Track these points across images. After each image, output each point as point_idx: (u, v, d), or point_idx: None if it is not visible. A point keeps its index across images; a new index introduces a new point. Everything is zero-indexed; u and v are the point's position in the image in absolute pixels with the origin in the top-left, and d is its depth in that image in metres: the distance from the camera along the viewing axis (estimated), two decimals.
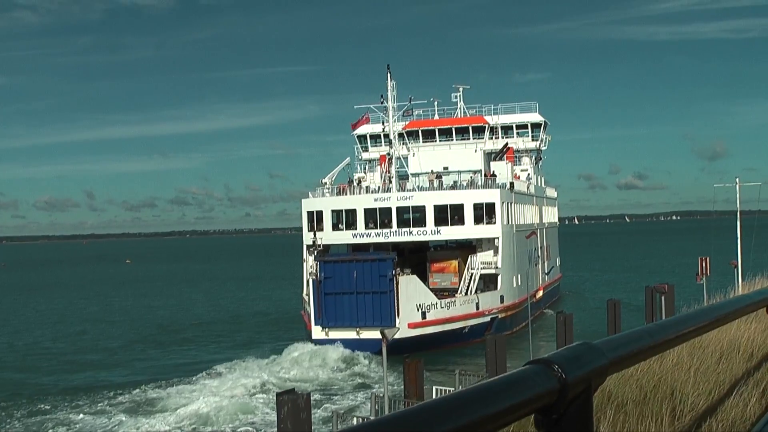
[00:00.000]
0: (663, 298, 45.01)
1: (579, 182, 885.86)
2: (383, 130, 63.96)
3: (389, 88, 61.63)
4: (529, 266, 70.69)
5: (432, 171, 67.38)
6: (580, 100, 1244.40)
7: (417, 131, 73.91)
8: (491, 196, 60.48)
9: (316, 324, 51.87)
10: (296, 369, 47.51)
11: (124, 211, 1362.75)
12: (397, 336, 49.96)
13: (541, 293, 74.06)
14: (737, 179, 61.38)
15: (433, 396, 36.38)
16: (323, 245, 62.75)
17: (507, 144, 70.97)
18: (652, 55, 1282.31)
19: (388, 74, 61.70)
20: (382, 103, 62.40)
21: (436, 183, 64.39)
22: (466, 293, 58.03)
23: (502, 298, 59.26)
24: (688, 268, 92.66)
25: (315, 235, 56.94)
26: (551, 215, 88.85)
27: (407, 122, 71.30)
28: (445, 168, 71.16)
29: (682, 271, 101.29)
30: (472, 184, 64.29)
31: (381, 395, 30.23)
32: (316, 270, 52.32)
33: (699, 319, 5.25)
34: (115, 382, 47.30)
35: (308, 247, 62.92)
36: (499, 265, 60.01)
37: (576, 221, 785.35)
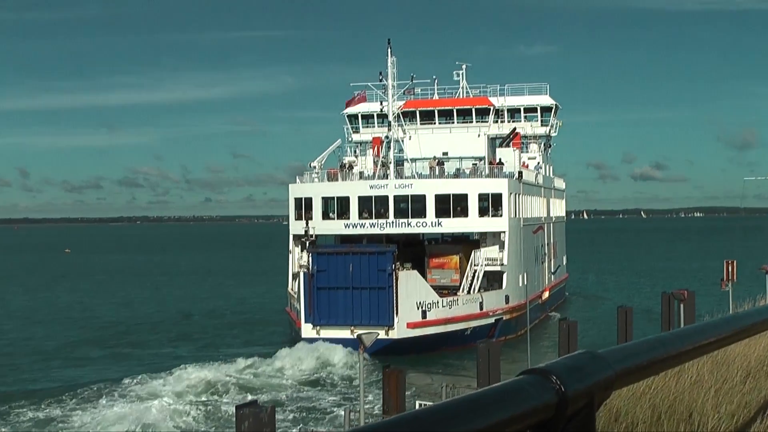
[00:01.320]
0: (682, 306, 45.23)
1: (588, 171, 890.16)
2: (382, 110, 67.24)
3: (389, 64, 65.16)
4: (536, 264, 74.64)
5: (434, 157, 71.00)
6: (592, 77, 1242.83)
7: (414, 112, 77.40)
8: (498, 186, 64.30)
9: (306, 321, 55.51)
10: (273, 373, 50.54)
11: (64, 193, 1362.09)
12: (395, 336, 54.17)
13: (547, 294, 78.08)
14: None
15: None
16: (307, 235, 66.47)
17: (515, 129, 74.66)
18: (676, 26, 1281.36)
19: (389, 49, 65.30)
20: (380, 81, 65.90)
21: (437, 170, 67.94)
22: (468, 292, 61.76)
23: (507, 297, 63.16)
24: (711, 272, 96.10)
25: (307, 224, 60.36)
26: (559, 209, 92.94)
27: (403, 102, 74.47)
28: (445, 153, 74.85)
29: (705, 276, 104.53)
30: (476, 173, 67.87)
31: (358, 411, 31.09)
32: (308, 262, 55.84)
33: (721, 330, 5.23)
34: (34, 392, 47.22)
35: (295, 237, 66.51)
36: (505, 261, 63.88)
37: (585, 216, 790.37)
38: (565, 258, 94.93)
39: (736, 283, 49.81)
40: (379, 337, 53.42)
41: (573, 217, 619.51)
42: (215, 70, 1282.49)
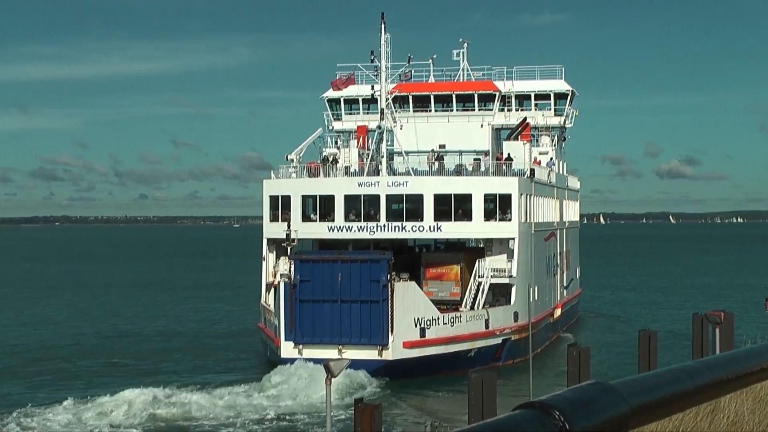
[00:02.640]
0: (717, 330, 44.26)
1: (603, 167, 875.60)
2: (373, 95, 68.61)
3: (382, 43, 66.47)
4: (547, 277, 76.30)
5: (432, 150, 72.44)
6: (610, 53, 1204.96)
7: (407, 97, 78.60)
8: (507, 185, 65.85)
9: (287, 339, 56.74)
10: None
11: None
12: (389, 357, 55.53)
13: (559, 312, 79.77)
14: None
15: None
16: (281, 241, 67.65)
17: (525, 119, 76.29)
18: None
19: (382, 25, 66.61)
20: (372, 61, 67.23)
21: (435, 166, 69.35)
22: (472, 307, 63.23)
23: (516, 315, 64.65)
24: (753, 290, 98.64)
25: (289, 226, 61.53)
26: (572, 212, 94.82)
27: (394, 85, 75.59)
28: (442, 146, 76.29)
29: (745, 295, 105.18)
30: (479, 169, 69.34)
31: None
32: (290, 271, 57.06)
33: (763, 358, 5.13)
34: None
35: (270, 241, 67.71)
36: (514, 273, 65.41)
37: (601, 220, 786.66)
38: (578, 270, 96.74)
39: None
40: (371, 357, 55.76)
41: (586, 221, 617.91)
42: (156, 39, 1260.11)
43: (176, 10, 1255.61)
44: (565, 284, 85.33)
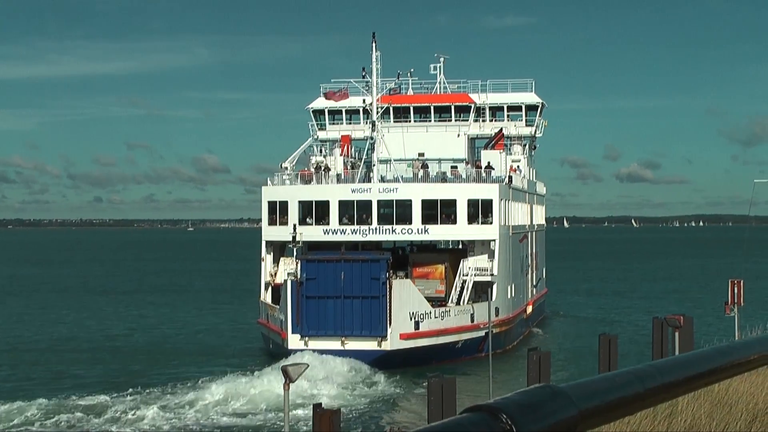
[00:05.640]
0: (677, 334, 44.01)
1: (563, 170, 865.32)
2: (365, 107, 74.27)
3: (374, 59, 72.19)
4: (521, 276, 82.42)
5: (417, 158, 78.27)
6: (570, 56, 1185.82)
7: (388, 108, 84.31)
8: (489, 191, 71.81)
9: (293, 332, 62.23)
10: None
11: None
12: (387, 348, 61.28)
13: (530, 309, 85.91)
14: None
15: None
16: (279, 243, 73.30)
17: (501, 130, 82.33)
18: None
19: (373, 44, 72.32)
20: (363, 77, 72.94)
21: (421, 173, 75.13)
22: (457, 303, 69.12)
23: (497, 310, 70.52)
24: (713, 294, 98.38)
25: (294, 229, 67.10)
26: (540, 216, 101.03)
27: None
28: (421, 154, 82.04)
29: (706, 299, 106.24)
30: (461, 177, 75.25)
31: None
32: (297, 270, 62.64)
33: (715, 361, 5.11)
34: None
35: (268, 243, 73.21)
36: (495, 272, 71.33)
37: (565, 223, 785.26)
38: (544, 270, 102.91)
39: (743, 308, 50.05)
40: (371, 348, 61.45)
41: (554, 224, 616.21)
42: (114, 39, 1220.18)
43: (136, 10, 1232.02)
44: (534, 283, 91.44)
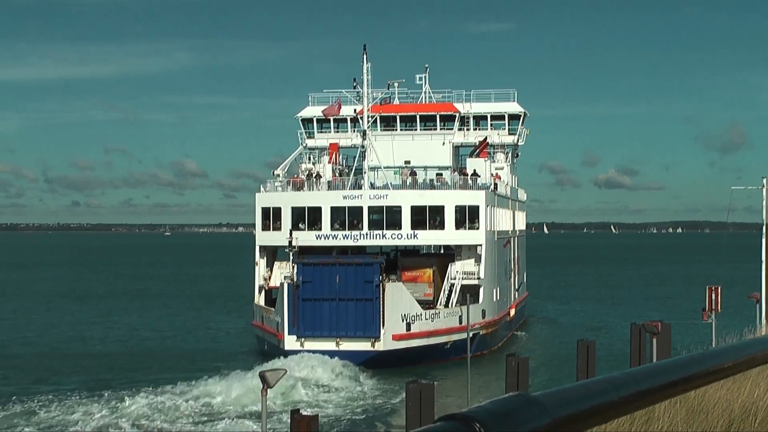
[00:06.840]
0: (654, 340, 44.35)
1: (542, 176, 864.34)
2: (356, 117, 76.90)
3: (365, 71, 74.79)
4: (505, 279, 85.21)
5: (405, 166, 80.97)
6: (551, 62, 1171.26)
7: (375, 117, 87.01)
8: (476, 198, 74.52)
9: (290, 333, 64.70)
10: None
11: None
12: (381, 348, 63.85)
13: (513, 312, 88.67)
14: (764, 180, 61.10)
15: None
16: (272, 248, 75.80)
17: (486, 138, 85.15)
18: (658, 4, 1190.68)
19: (364, 56, 74.92)
20: (354, 88, 75.55)
21: (410, 180, 77.81)
22: (446, 306, 71.76)
23: (484, 312, 73.31)
24: (691, 300, 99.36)
25: (291, 234, 69.62)
26: (521, 222, 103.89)
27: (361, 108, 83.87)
28: (407, 162, 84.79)
29: (683, 305, 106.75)
30: (445, 184, 77.92)
31: None
32: (293, 273, 65.13)
33: (691, 368, 5.12)
34: None
35: (262, 248, 75.70)
36: (482, 275, 74.03)
37: (545, 229, 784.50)
38: (525, 275, 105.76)
39: (720, 314, 50.71)
40: (364, 348, 63.99)
41: (533, 230, 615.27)
42: (93, 42, 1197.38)
43: (115, 13, 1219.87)
44: (516, 287, 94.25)
